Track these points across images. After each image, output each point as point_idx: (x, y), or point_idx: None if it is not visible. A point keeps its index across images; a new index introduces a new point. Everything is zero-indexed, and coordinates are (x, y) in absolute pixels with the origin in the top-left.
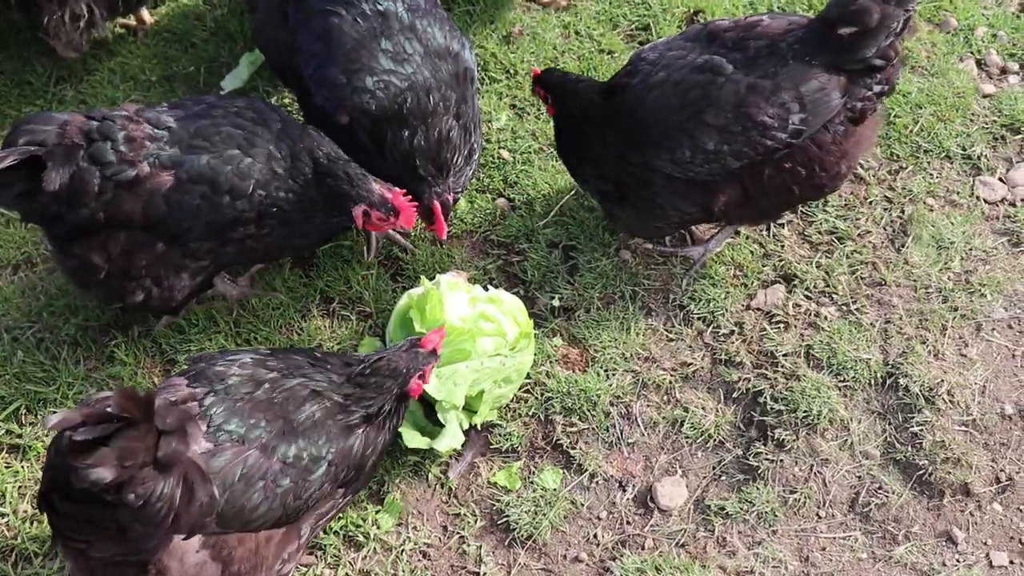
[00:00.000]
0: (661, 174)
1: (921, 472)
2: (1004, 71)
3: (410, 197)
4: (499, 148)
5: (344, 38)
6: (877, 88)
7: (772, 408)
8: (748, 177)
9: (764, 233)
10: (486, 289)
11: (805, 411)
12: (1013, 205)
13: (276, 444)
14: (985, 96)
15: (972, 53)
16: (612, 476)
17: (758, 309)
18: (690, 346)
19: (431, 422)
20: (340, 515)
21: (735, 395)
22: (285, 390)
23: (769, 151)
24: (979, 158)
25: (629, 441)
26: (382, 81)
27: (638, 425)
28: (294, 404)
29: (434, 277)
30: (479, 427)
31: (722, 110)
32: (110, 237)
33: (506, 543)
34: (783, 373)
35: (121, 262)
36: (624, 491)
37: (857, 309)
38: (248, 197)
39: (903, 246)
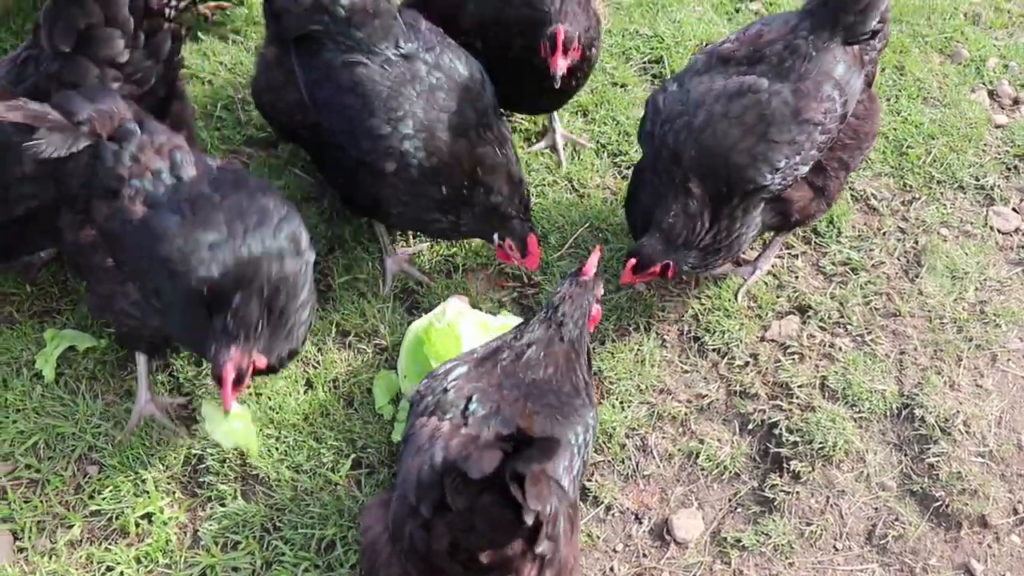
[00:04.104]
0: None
1: (938, 504)
2: (1016, 102)
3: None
4: None
5: (377, 87)
6: (879, 46)
7: (787, 440)
8: (810, 172)
9: (778, 264)
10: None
11: (821, 442)
12: None
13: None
14: (997, 127)
15: (984, 84)
16: (628, 508)
17: (772, 340)
18: (705, 378)
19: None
20: None
21: (750, 427)
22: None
23: (829, 141)
24: (992, 188)
25: (645, 473)
26: (431, 123)
27: (654, 457)
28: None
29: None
30: None
31: (784, 124)
32: (85, 226)
33: None
34: (798, 404)
35: (79, 253)
36: (640, 523)
37: (872, 340)
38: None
39: (917, 277)
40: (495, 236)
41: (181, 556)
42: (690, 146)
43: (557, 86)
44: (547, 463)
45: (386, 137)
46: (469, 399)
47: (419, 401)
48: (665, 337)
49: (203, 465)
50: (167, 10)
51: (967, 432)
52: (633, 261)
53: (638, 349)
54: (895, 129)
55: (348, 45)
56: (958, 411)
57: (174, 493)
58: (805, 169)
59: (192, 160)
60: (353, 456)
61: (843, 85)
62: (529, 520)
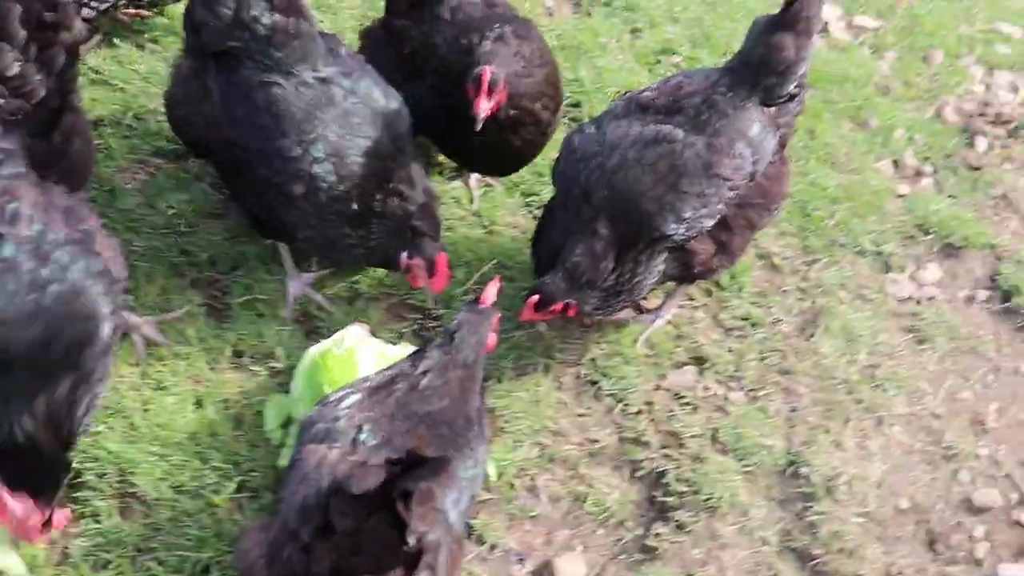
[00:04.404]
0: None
1: (815, 562)
2: (919, 173)
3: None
4: None
5: (292, 108)
6: (796, 110)
7: (675, 489)
8: (714, 227)
9: (679, 314)
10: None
11: (708, 494)
12: (919, 303)
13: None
14: (899, 196)
15: (889, 154)
16: (512, 548)
17: (668, 390)
18: (599, 422)
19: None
20: None
21: (640, 474)
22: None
23: (736, 198)
24: (890, 256)
25: (532, 514)
26: (343, 148)
27: (542, 499)
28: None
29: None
30: None
31: (695, 176)
32: None
33: None
34: (688, 455)
35: None
36: (523, 565)
37: (765, 395)
38: None
39: (813, 336)
40: (403, 255)
41: (48, 574)
42: (602, 187)
43: (478, 128)
44: (436, 481)
45: (297, 159)
46: (360, 428)
47: (309, 427)
48: (562, 379)
49: (80, 480)
50: (86, 9)
51: (849, 492)
52: (535, 298)
53: (535, 389)
54: (802, 191)
55: (266, 64)
56: (842, 471)
57: None
58: (710, 223)
59: (27, 219)
60: (238, 479)
61: (756, 144)
62: (411, 541)
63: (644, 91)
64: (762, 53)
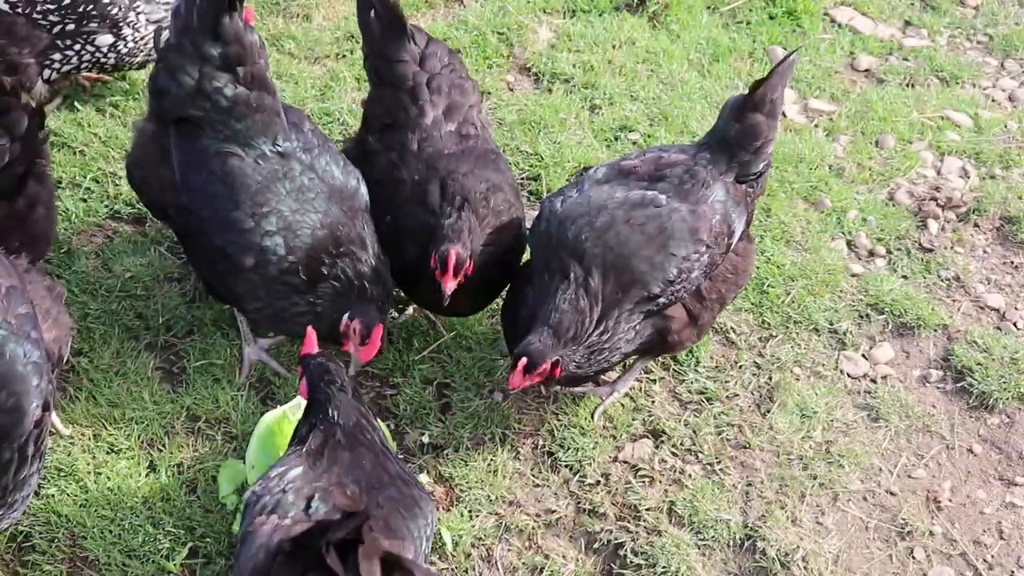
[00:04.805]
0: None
1: None
2: (872, 253)
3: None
4: None
5: (248, 180)
6: (758, 190)
7: (631, 562)
8: (690, 298)
9: (636, 388)
10: None
11: (664, 567)
12: (874, 382)
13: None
14: (853, 275)
15: (843, 234)
16: None
17: (625, 462)
18: (555, 493)
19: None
20: None
21: (596, 546)
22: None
23: (713, 267)
24: (844, 334)
25: None
26: (295, 223)
27: (498, 569)
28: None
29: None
30: None
31: (682, 240)
32: None
33: None
34: (645, 527)
35: None
36: None
37: (721, 469)
38: None
39: (769, 412)
40: (346, 316)
41: None
42: (593, 243)
43: (445, 304)
44: (353, 531)
45: (248, 232)
46: (311, 499)
47: (255, 502)
48: (519, 449)
49: (29, 543)
50: (48, 71)
51: (805, 568)
52: (524, 361)
53: (491, 459)
54: (758, 268)
55: (226, 135)
56: (798, 547)
57: None
58: (691, 288)
59: None
60: (191, 544)
61: (732, 219)
62: None
63: (625, 159)
64: (739, 129)
